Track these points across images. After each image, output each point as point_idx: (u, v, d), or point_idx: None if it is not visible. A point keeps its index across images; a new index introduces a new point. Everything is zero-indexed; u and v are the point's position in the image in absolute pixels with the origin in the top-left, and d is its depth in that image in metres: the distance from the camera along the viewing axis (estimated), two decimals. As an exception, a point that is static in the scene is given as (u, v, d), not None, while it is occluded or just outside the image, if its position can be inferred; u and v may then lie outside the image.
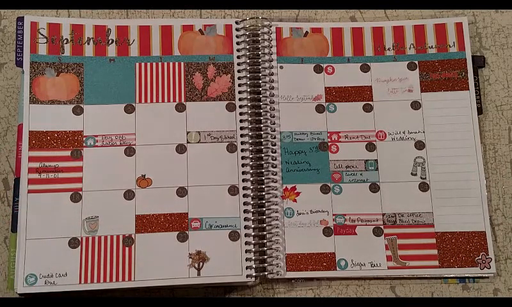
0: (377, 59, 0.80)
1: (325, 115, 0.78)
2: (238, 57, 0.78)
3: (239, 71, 0.78)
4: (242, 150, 0.75)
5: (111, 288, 0.70)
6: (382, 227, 0.74)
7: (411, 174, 0.76)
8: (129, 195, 0.73)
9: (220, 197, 0.74)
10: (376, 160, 0.77)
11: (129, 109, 0.76)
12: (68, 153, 0.74)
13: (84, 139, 0.74)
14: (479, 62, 0.80)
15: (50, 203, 0.72)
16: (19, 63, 0.76)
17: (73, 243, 0.71)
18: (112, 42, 0.78)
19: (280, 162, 0.76)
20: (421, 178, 0.76)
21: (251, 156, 0.75)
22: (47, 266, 0.70)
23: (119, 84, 0.76)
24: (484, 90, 0.80)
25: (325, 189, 0.76)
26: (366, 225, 0.74)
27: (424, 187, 0.75)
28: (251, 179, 0.74)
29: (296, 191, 0.75)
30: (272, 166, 0.76)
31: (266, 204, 0.74)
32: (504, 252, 0.75)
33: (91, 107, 0.76)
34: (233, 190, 0.74)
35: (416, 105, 0.78)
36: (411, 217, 0.75)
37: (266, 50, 0.79)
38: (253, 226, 0.73)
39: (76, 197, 0.72)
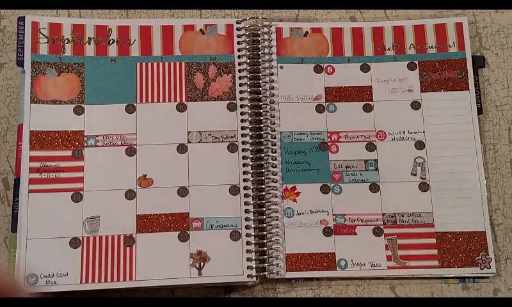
0: (377, 59, 0.80)
1: (325, 115, 0.78)
2: (239, 57, 0.78)
3: (239, 71, 0.78)
4: (243, 150, 0.75)
5: (111, 288, 0.70)
6: (382, 227, 0.74)
7: (411, 174, 0.76)
8: (130, 195, 0.73)
9: (221, 197, 0.74)
10: (376, 160, 0.77)
11: (130, 109, 0.76)
12: (69, 153, 0.74)
13: (85, 138, 0.74)
14: (479, 62, 0.80)
15: (51, 203, 0.72)
16: (20, 63, 0.76)
17: (74, 243, 0.71)
18: (113, 42, 0.78)
19: (280, 162, 0.76)
20: (421, 178, 0.76)
21: (251, 156, 0.75)
22: (48, 266, 0.70)
23: (120, 83, 0.76)
24: (484, 90, 0.80)
25: (325, 189, 0.76)
26: (366, 225, 0.75)
27: (424, 187, 0.76)
28: (252, 179, 0.74)
29: (296, 191, 0.75)
30: (272, 166, 0.76)
31: (266, 204, 0.74)
32: (503, 252, 0.75)
33: (92, 107, 0.75)
34: (234, 190, 0.74)
35: (416, 105, 0.78)
36: (411, 217, 0.75)
37: (266, 50, 0.79)
38: (253, 226, 0.73)
39: (77, 197, 0.72)
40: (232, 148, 0.75)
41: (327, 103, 0.78)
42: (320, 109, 0.78)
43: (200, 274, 0.71)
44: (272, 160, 0.76)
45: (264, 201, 0.75)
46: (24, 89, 0.75)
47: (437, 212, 0.75)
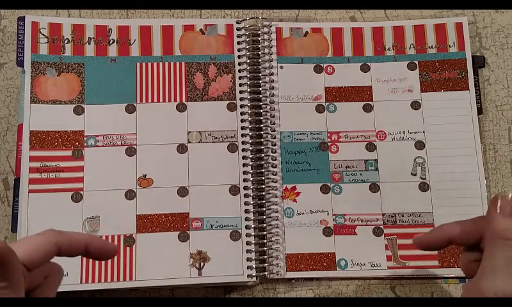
0: (377, 59, 0.80)
1: (325, 115, 0.78)
2: (239, 57, 0.78)
3: (239, 71, 0.78)
4: (243, 150, 0.75)
5: (112, 288, 0.70)
6: (382, 227, 0.74)
7: (411, 174, 0.76)
8: (130, 195, 0.73)
9: (221, 197, 0.74)
10: (376, 160, 0.77)
11: (130, 109, 0.76)
12: (69, 153, 0.74)
13: (85, 138, 0.74)
14: (479, 62, 0.80)
15: (51, 203, 0.72)
16: (20, 63, 0.76)
17: (74, 243, 0.71)
18: (113, 42, 0.78)
19: (280, 162, 0.76)
20: (421, 178, 0.76)
21: (251, 156, 0.75)
22: (48, 266, 0.70)
23: (120, 83, 0.76)
24: (484, 90, 0.80)
25: (325, 189, 0.76)
26: (366, 225, 0.75)
27: (424, 187, 0.76)
28: (252, 179, 0.74)
29: (296, 191, 0.75)
30: (273, 166, 0.76)
31: (266, 204, 0.74)
32: (503, 252, 0.75)
33: (92, 106, 0.75)
34: (234, 190, 0.74)
35: (416, 105, 0.78)
36: (411, 217, 0.75)
37: (266, 50, 0.79)
38: (253, 226, 0.73)
39: (77, 197, 0.72)
40: (232, 148, 0.75)
41: (327, 103, 0.78)
42: (320, 109, 0.78)
43: (200, 274, 0.71)
44: (272, 160, 0.76)
45: (264, 201, 0.74)
46: (23, 89, 0.75)
47: (437, 212, 0.75)
